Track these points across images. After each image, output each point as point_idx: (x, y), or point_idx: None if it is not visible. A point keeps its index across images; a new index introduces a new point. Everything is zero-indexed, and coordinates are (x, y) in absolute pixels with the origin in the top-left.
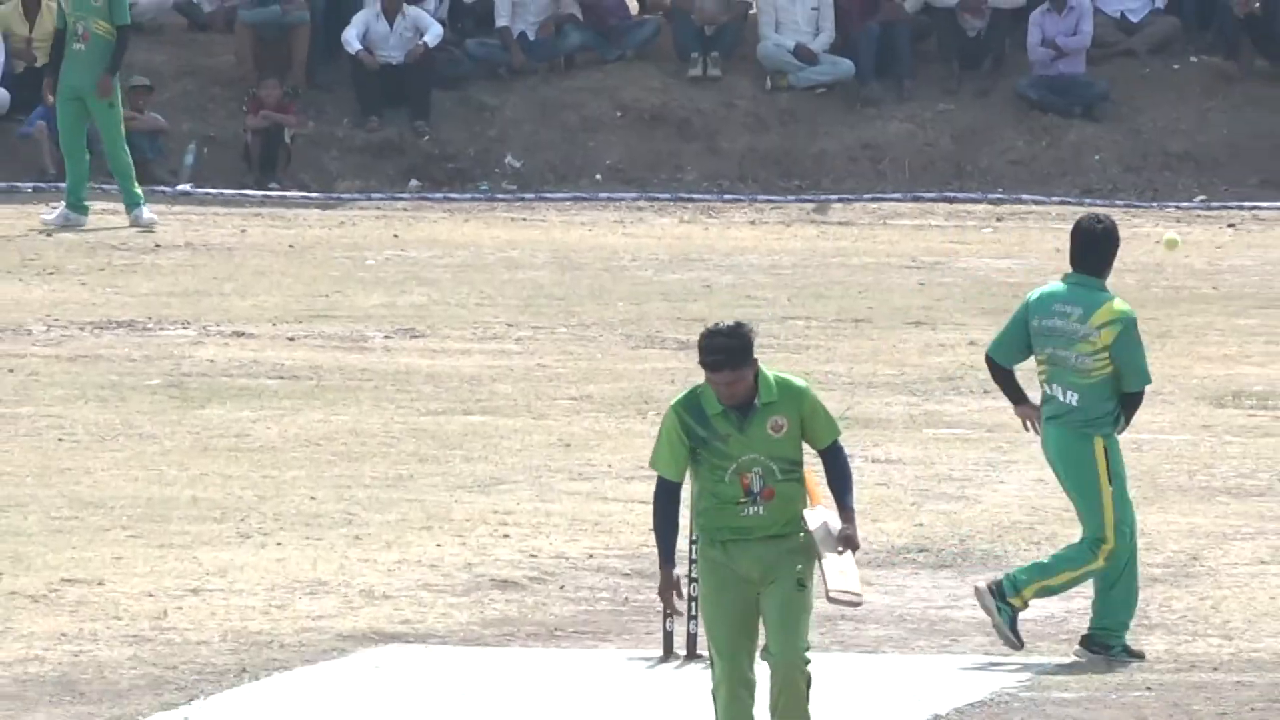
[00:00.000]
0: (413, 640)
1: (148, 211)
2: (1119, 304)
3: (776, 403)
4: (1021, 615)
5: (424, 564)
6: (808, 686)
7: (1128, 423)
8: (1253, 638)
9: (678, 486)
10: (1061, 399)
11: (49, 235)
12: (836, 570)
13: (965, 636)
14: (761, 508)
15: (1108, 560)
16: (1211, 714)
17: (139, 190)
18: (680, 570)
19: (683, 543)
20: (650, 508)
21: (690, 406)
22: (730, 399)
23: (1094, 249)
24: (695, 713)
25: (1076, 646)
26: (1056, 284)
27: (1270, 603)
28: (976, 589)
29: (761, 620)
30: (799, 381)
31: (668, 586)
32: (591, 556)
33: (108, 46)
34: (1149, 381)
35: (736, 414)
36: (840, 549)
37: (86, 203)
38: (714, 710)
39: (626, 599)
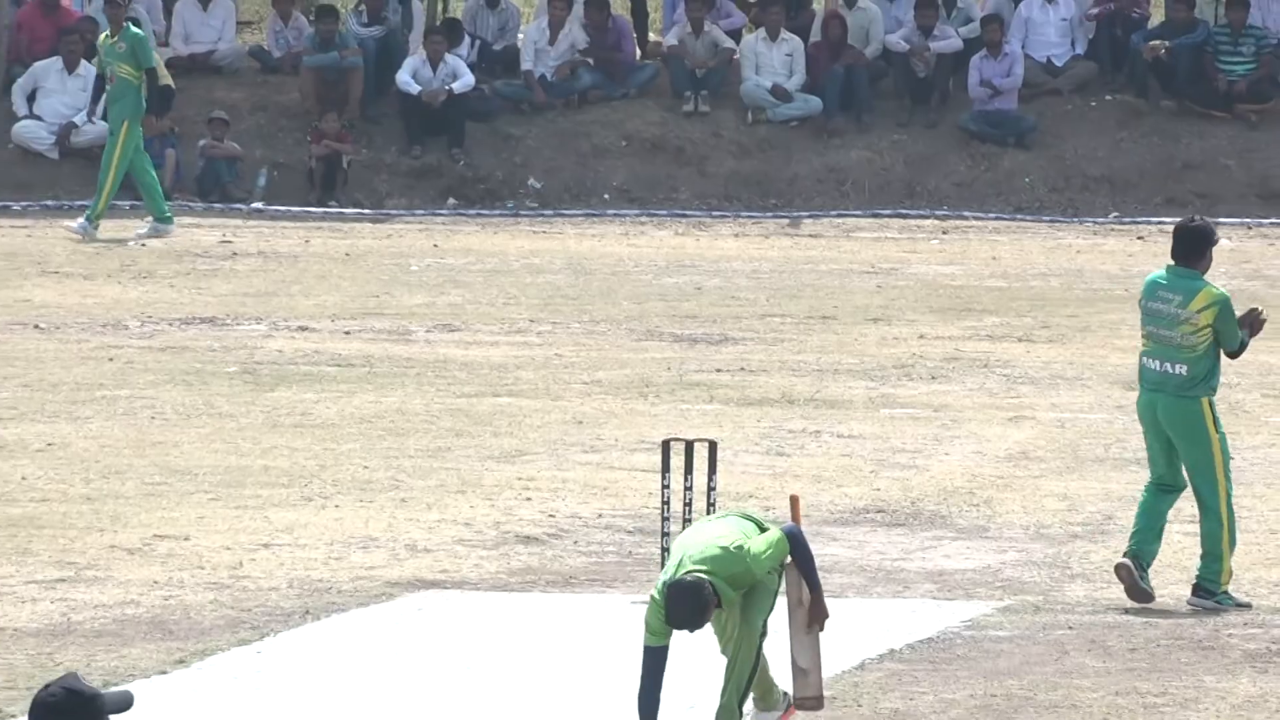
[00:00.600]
0: (449, 586)
1: (90, 228)
2: (1214, 290)
3: (728, 602)
4: (961, 565)
5: (459, 522)
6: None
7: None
8: (1158, 585)
9: (661, 650)
10: (1171, 371)
11: (143, 245)
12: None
13: (916, 584)
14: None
15: (1227, 508)
16: (1123, 649)
17: (103, 209)
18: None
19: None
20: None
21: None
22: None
23: (1186, 244)
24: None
25: (1190, 597)
26: (1160, 272)
27: (1172, 555)
28: (1189, 602)
29: None
30: (762, 547)
31: None
32: (600, 516)
33: (131, 88)
34: (1239, 344)
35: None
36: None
37: (169, 214)
38: None
39: (630, 552)
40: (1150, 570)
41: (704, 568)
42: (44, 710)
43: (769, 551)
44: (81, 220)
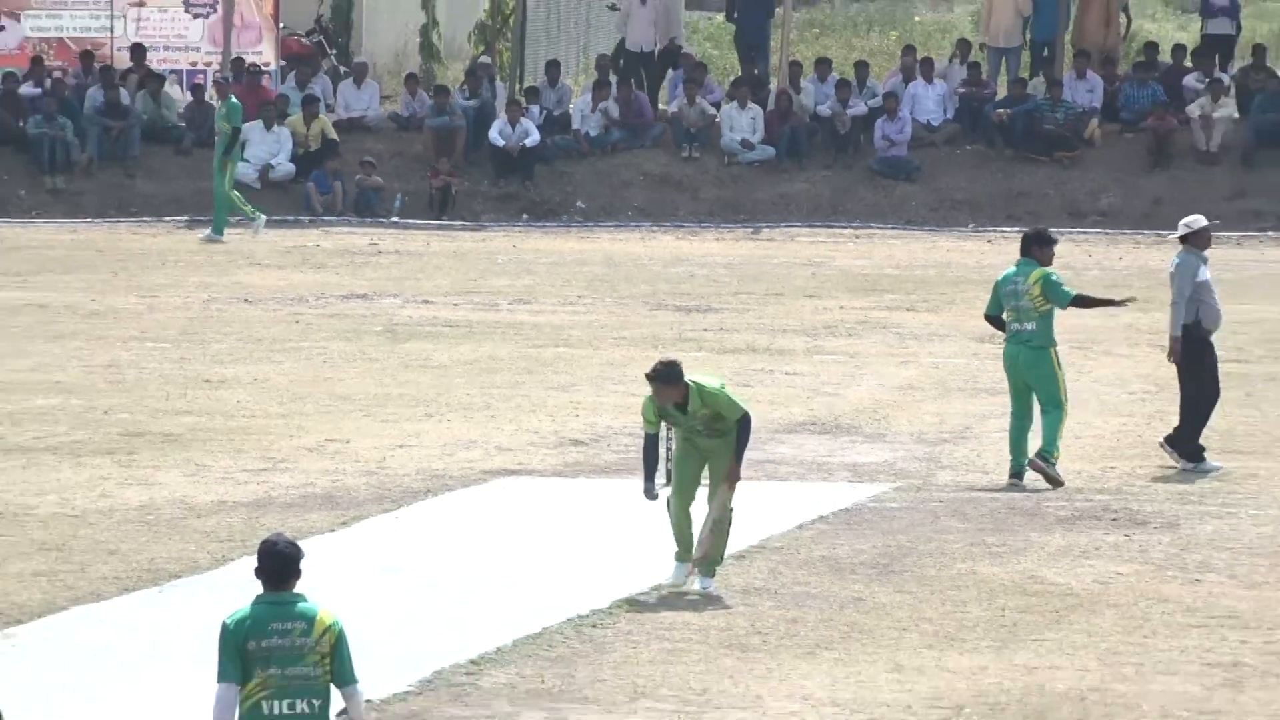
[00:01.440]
0: (524, 474)
1: (217, 236)
2: (1042, 269)
3: (702, 403)
4: (867, 459)
5: (530, 431)
6: (729, 523)
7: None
8: (1000, 474)
9: (654, 437)
10: (1024, 328)
11: (318, 246)
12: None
13: (837, 472)
14: (706, 436)
15: (1064, 411)
16: (976, 515)
17: (223, 220)
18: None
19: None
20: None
21: (652, 402)
22: (664, 402)
23: (1029, 243)
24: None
25: (1035, 459)
26: (1011, 269)
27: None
28: (1030, 462)
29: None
30: (712, 383)
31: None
32: (625, 427)
33: (225, 136)
34: (1068, 300)
35: (677, 409)
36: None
37: (223, 230)
38: (668, 514)
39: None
40: (996, 466)
41: (690, 378)
42: (269, 556)
43: (732, 404)
44: (209, 232)
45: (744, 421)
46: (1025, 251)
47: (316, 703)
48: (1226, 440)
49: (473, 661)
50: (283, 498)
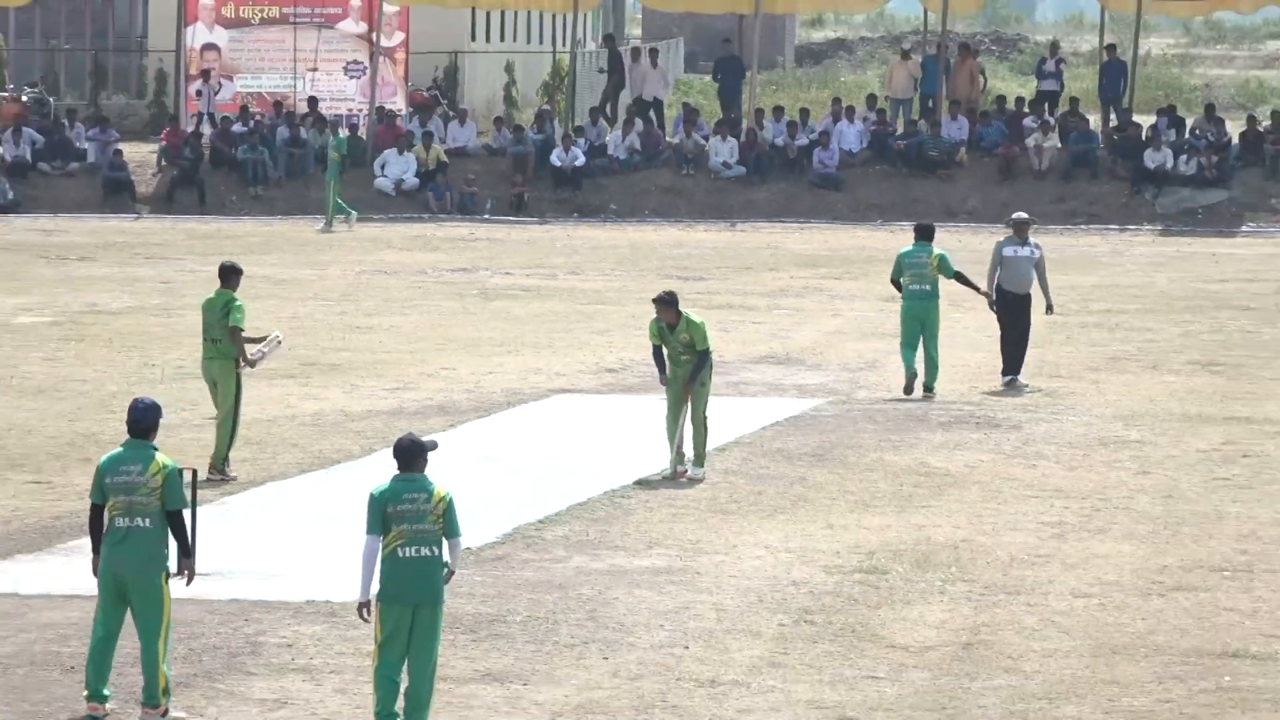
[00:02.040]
0: (574, 392)
1: (329, 228)
2: (939, 250)
3: (685, 329)
4: (808, 381)
5: (578, 361)
6: (706, 430)
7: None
8: (897, 392)
9: (658, 348)
10: (925, 289)
11: (430, 236)
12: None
13: (788, 391)
14: (685, 355)
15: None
16: (884, 420)
17: (332, 216)
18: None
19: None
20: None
21: (658, 322)
22: (662, 320)
23: (923, 231)
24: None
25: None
26: (910, 247)
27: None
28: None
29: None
30: (698, 319)
31: (662, 381)
32: (645, 360)
33: (335, 162)
34: (952, 274)
35: (669, 329)
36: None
37: (331, 224)
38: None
39: (655, 376)
40: (895, 387)
41: (684, 310)
42: (402, 447)
43: (703, 338)
44: (324, 224)
45: (704, 355)
46: (920, 236)
47: (434, 550)
48: (1052, 369)
49: (539, 521)
50: (410, 408)
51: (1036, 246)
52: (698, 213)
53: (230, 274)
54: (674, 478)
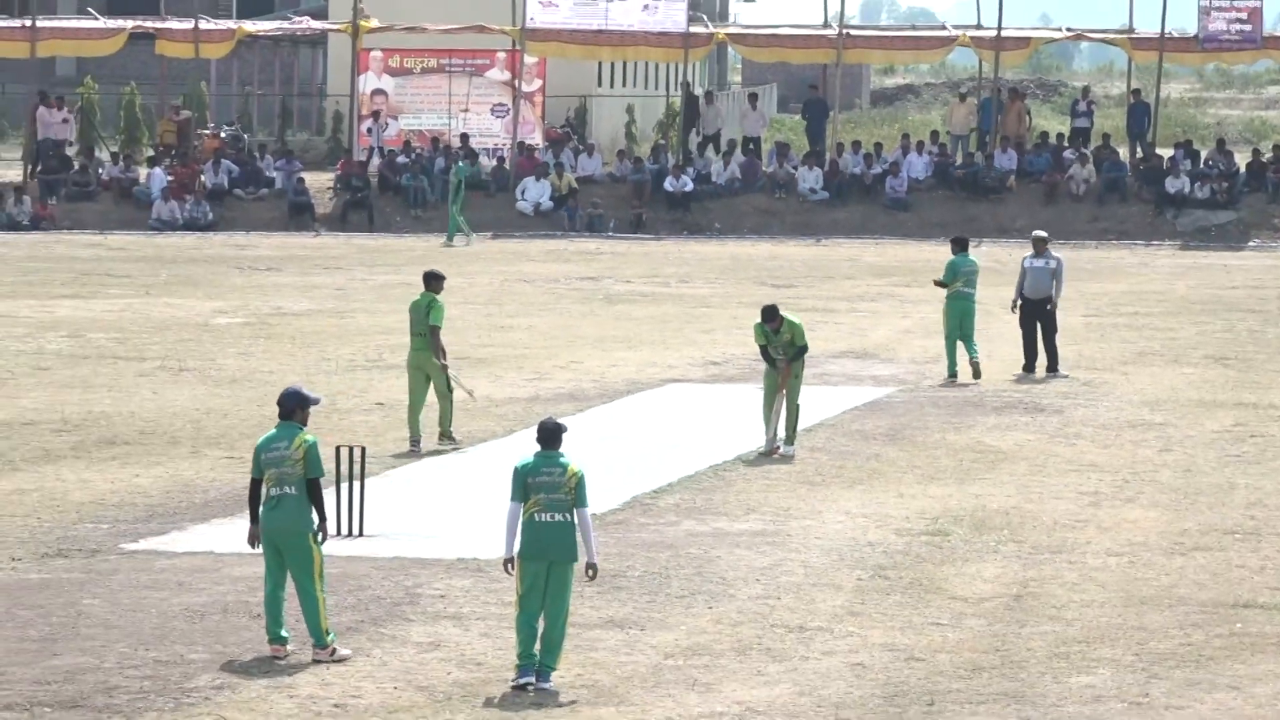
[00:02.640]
0: (684, 382)
1: (451, 243)
2: (972, 256)
3: (787, 329)
4: (882, 373)
5: (688, 357)
6: (798, 414)
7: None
8: (959, 385)
9: (764, 347)
10: (969, 291)
11: (563, 250)
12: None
13: (865, 381)
14: (783, 356)
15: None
16: (947, 405)
17: (453, 233)
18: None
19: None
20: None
21: (764, 328)
22: (768, 326)
23: (963, 243)
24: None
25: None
26: (954, 257)
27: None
28: (973, 362)
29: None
30: (795, 319)
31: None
32: (743, 355)
33: (456, 185)
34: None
35: (774, 332)
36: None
37: (453, 240)
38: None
39: (752, 367)
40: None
41: (785, 314)
42: (543, 428)
43: (802, 335)
44: (446, 239)
45: (802, 349)
46: (961, 248)
47: (566, 516)
48: (1089, 362)
49: (654, 491)
50: (544, 396)
51: (1055, 258)
52: (788, 230)
53: (432, 279)
54: (769, 454)
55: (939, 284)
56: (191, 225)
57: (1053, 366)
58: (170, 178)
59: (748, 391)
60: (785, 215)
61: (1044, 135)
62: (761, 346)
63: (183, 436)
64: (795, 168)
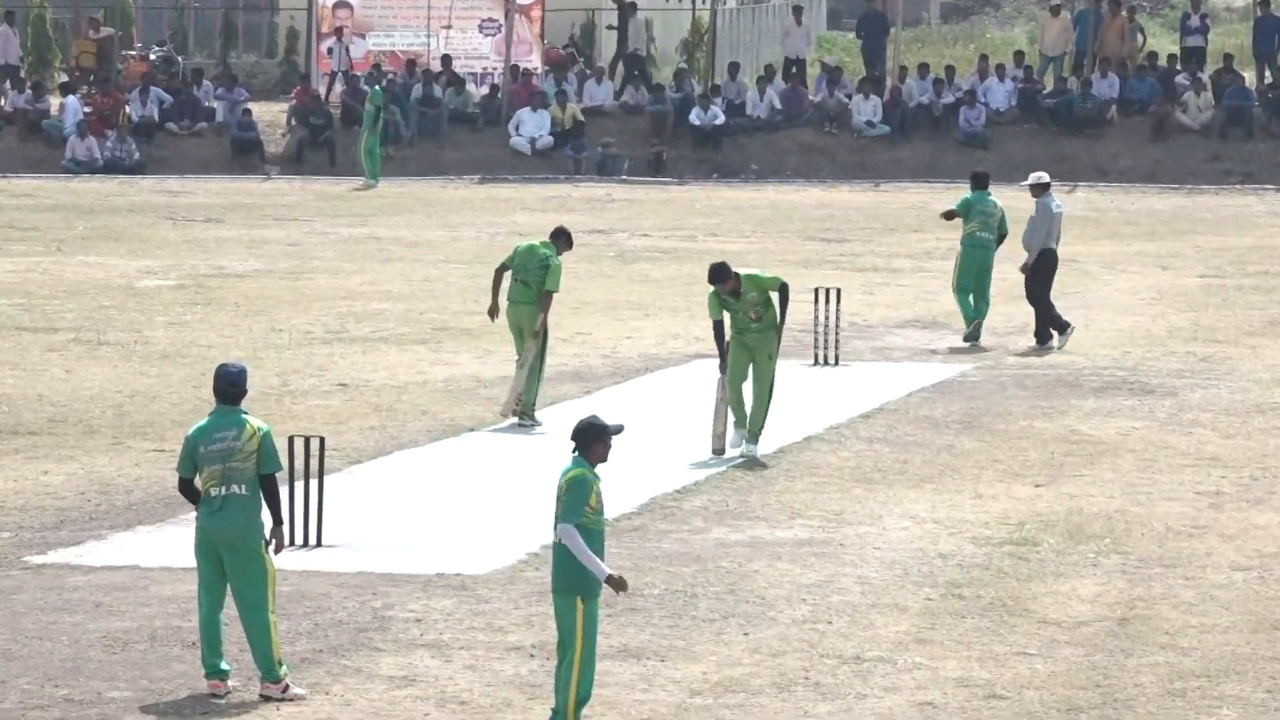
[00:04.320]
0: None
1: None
2: (994, 198)
3: (747, 287)
4: (957, 344)
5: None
6: (771, 393)
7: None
8: (1050, 358)
9: (720, 324)
10: (988, 237)
11: (566, 196)
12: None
13: (935, 357)
14: (755, 321)
15: None
16: (1033, 385)
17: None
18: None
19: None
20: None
21: (718, 295)
22: (723, 292)
23: (982, 180)
24: (829, 384)
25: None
26: (969, 195)
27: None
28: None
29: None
30: (756, 270)
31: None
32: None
33: (370, 114)
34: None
35: (732, 296)
36: None
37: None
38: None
39: (797, 340)
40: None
41: (741, 271)
42: (581, 429)
43: (770, 278)
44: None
45: (783, 288)
46: (980, 185)
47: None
48: (1208, 333)
49: (677, 491)
50: (545, 374)
51: (1051, 203)
52: (840, 173)
53: (561, 235)
54: (720, 452)
55: (947, 216)
56: (114, 167)
57: (1043, 337)
58: (88, 109)
59: (790, 368)
60: (836, 154)
61: (1151, 57)
62: (717, 323)
63: (102, 425)
64: (849, 96)
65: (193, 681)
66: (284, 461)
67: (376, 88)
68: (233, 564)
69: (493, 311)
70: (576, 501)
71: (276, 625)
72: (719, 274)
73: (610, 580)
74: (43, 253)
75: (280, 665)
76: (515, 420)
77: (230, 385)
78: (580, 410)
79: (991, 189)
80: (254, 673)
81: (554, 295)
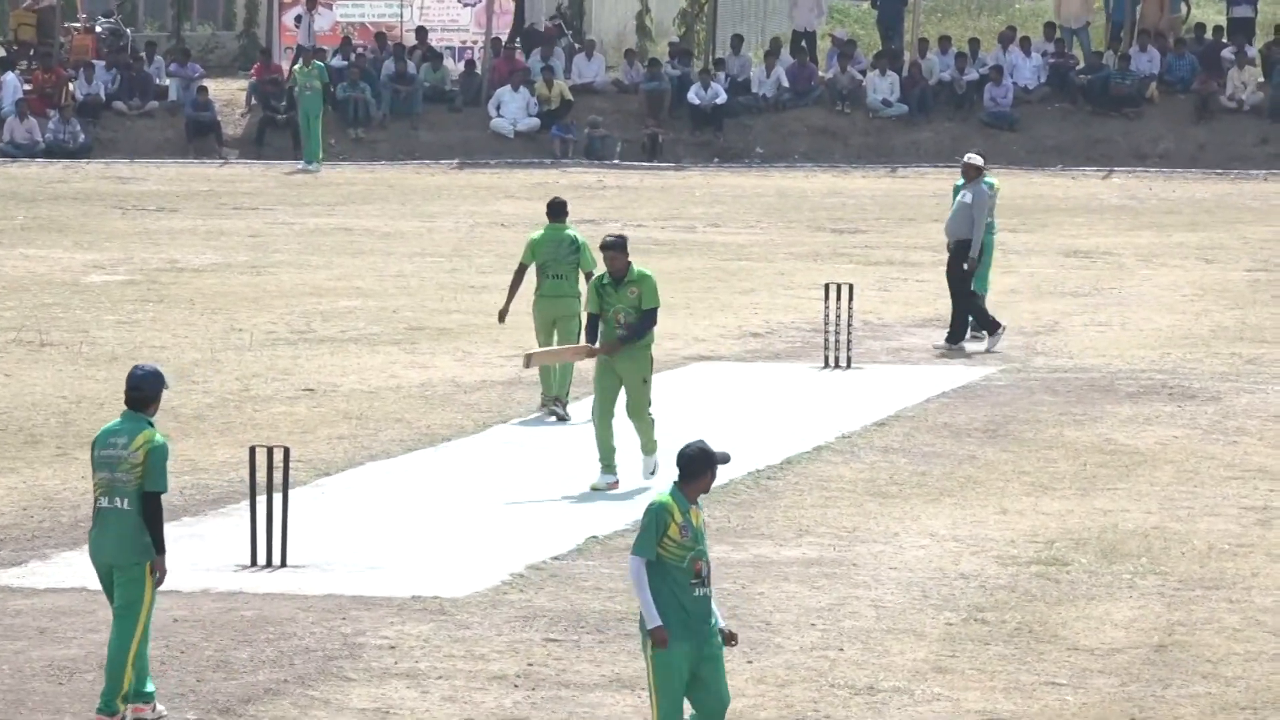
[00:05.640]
0: (714, 359)
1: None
2: (991, 178)
3: (634, 281)
4: (975, 347)
5: (719, 326)
6: (651, 422)
7: None
8: (1081, 359)
9: (595, 318)
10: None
11: (553, 183)
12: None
13: (957, 359)
14: (620, 328)
15: None
16: (1063, 390)
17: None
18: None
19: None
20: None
21: (601, 279)
22: (612, 272)
23: (968, 171)
24: (841, 389)
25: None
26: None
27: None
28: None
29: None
30: (648, 271)
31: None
32: (793, 323)
33: (317, 93)
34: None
35: (614, 282)
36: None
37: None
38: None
39: (807, 341)
40: (1080, 352)
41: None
42: (690, 455)
43: (654, 293)
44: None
45: (651, 312)
46: (967, 176)
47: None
48: (1255, 333)
49: None
50: (528, 378)
51: (985, 187)
52: (854, 156)
53: (561, 210)
54: (604, 489)
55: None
56: (57, 150)
57: (955, 336)
58: (28, 87)
59: (799, 372)
60: (850, 136)
61: (1198, 29)
62: (593, 317)
63: (45, 434)
64: (863, 73)
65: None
66: (243, 475)
67: (316, 63)
68: (117, 581)
69: (504, 314)
70: (648, 533)
71: (135, 659)
72: (617, 244)
73: (652, 632)
74: None
75: (123, 702)
76: (551, 411)
77: (133, 389)
78: (575, 415)
79: (1014, 173)
80: (206, 703)
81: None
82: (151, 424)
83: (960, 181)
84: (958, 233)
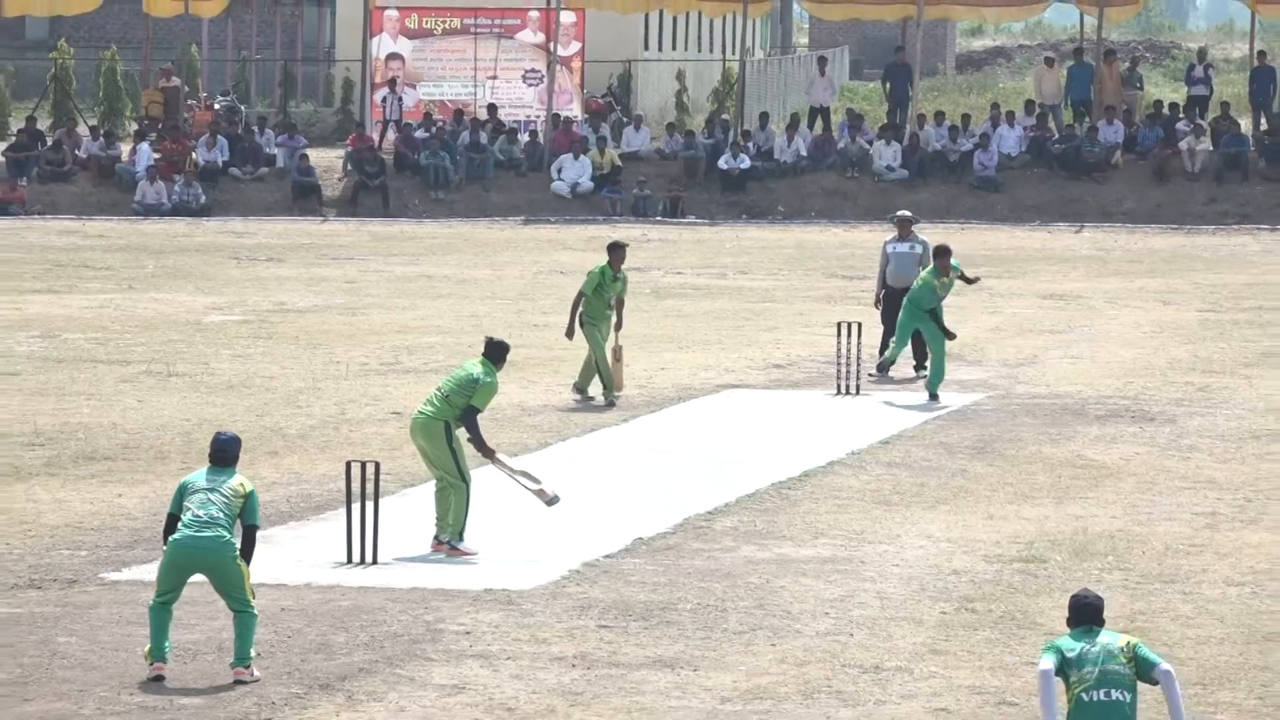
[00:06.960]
0: (743, 387)
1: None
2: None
3: (622, 278)
4: (969, 377)
5: (747, 358)
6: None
7: None
8: (1057, 388)
9: (582, 296)
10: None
11: (605, 237)
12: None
13: (949, 387)
14: (611, 310)
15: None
16: (1041, 414)
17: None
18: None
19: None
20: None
21: (604, 269)
22: (615, 268)
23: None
24: (850, 412)
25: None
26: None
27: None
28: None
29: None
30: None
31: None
32: (811, 357)
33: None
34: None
35: (613, 278)
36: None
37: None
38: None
39: (822, 371)
40: (1055, 381)
41: None
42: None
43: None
44: None
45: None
46: (903, 234)
47: (1126, 694)
48: (1205, 364)
49: (709, 512)
50: (583, 404)
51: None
52: (862, 214)
53: (621, 249)
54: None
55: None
56: (181, 209)
57: (922, 359)
58: (157, 155)
59: (815, 398)
60: (858, 197)
61: (1156, 105)
62: (581, 296)
63: (171, 450)
64: (870, 142)
65: (258, 688)
66: (340, 486)
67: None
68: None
69: (570, 333)
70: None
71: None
72: (623, 245)
73: None
74: (116, 290)
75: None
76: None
77: (219, 450)
78: (619, 436)
79: (999, 228)
80: (286, 671)
81: (624, 301)
82: (235, 474)
83: (890, 237)
84: (908, 280)
